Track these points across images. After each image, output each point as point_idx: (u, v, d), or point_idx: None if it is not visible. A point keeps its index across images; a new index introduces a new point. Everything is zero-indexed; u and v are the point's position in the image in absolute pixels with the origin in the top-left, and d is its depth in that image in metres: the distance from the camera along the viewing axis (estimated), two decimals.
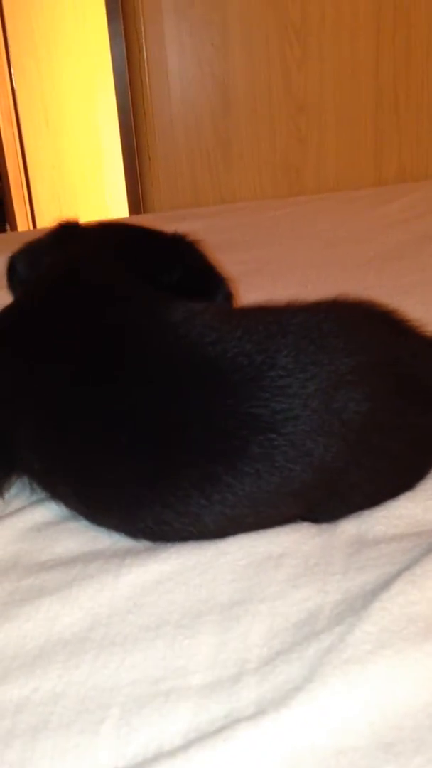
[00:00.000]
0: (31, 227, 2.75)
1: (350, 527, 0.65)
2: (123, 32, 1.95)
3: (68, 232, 0.95)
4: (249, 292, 1.19)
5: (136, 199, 2.15)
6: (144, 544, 0.65)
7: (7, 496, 0.75)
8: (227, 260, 1.57)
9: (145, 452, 0.63)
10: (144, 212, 2.11)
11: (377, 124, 2.05)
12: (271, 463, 0.60)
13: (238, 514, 0.62)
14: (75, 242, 0.92)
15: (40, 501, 0.73)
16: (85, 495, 0.68)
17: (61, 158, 2.92)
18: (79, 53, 2.77)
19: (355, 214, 1.82)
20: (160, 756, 0.46)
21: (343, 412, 0.61)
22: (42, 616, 0.58)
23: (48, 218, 2.69)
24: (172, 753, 0.46)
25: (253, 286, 1.30)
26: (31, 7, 2.71)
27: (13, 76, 2.68)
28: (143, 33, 1.92)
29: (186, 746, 0.46)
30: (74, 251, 0.89)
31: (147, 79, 1.95)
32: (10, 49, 2.67)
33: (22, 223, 2.73)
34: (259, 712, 0.48)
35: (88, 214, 2.56)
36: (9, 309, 0.82)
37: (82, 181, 2.96)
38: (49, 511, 0.72)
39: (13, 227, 2.72)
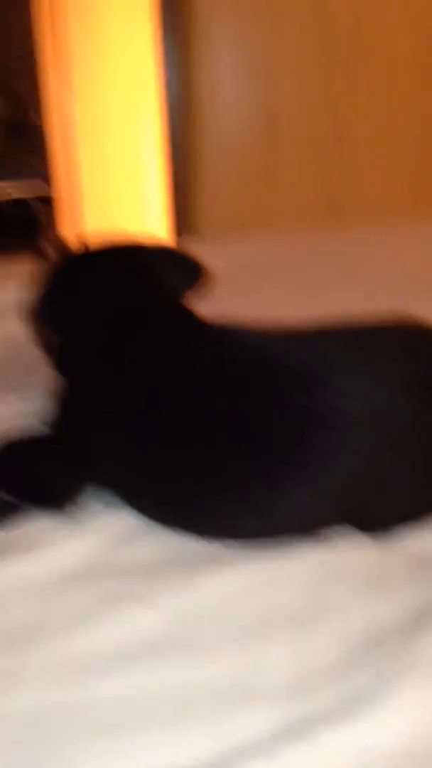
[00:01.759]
0: None
1: (411, 545, 0.69)
2: (177, 58, 2.02)
3: (73, 265, 0.98)
4: (293, 316, 1.23)
5: (181, 222, 2.21)
6: (215, 552, 0.69)
7: (81, 504, 0.79)
8: (272, 285, 1.62)
9: (215, 449, 0.69)
10: (187, 234, 2.16)
11: (417, 156, 2.10)
12: (325, 455, 0.65)
13: (298, 504, 0.67)
14: (94, 276, 0.95)
15: (113, 509, 0.77)
16: (160, 499, 0.73)
17: (107, 180, 2.99)
18: (128, 77, 2.86)
19: (395, 244, 1.85)
20: (243, 752, 0.50)
21: (389, 415, 0.66)
22: (124, 618, 0.62)
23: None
24: (255, 749, 0.50)
25: (301, 310, 1.34)
26: (90, 29, 2.79)
27: (70, 98, 2.76)
28: (197, 62, 1.99)
29: (268, 743, 0.50)
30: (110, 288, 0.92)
31: (198, 105, 2.02)
32: (71, 70, 2.75)
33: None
34: (335, 715, 0.51)
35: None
36: (74, 342, 0.88)
37: (124, 202, 3.03)
38: (123, 518, 0.76)
39: None
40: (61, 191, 2.77)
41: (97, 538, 0.73)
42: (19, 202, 4.17)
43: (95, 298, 0.91)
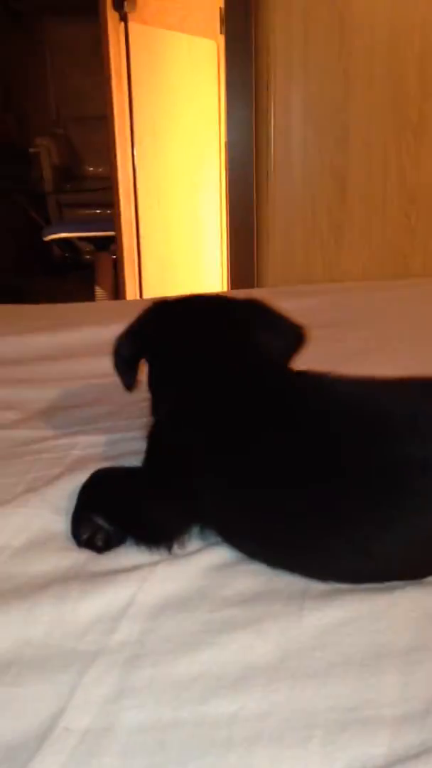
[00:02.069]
0: (139, 297, 2.92)
1: None
2: (244, 117, 2.13)
3: (163, 312, 1.01)
4: (376, 368, 1.26)
5: (248, 275, 2.28)
6: (317, 589, 0.72)
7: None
8: (347, 336, 1.65)
9: (319, 493, 0.72)
10: (256, 287, 2.24)
11: None
12: (427, 499, 0.68)
13: (400, 548, 0.70)
14: (184, 323, 0.99)
15: (212, 545, 0.81)
16: (264, 538, 0.76)
17: (168, 236, 3.10)
18: (190, 137, 2.99)
19: None
20: None
21: None
22: (237, 645, 0.65)
23: (153, 291, 2.87)
24: None
25: (379, 363, 1.37)
26: (154, 89, 2.93)
27: (135, 156, 2.90)
28: (264, 120, 2.09)
29: (388, 765, 0.52)
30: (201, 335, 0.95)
31: (272, 169, 2.11)
32: (135, 129, 2.89)
33: (131, 293, 2.91)
34: None
35: (187, 289, 2.72)
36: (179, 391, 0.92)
37: (184, 257, 3.13)
38: (221, 553, 0.79)
39: (123, 296, 2.91)
40: (120, 239, 2.88)
41: (196, 569, 0.76)
42: (71, 246, 4.33)
43: (194, 344, 0.95)
